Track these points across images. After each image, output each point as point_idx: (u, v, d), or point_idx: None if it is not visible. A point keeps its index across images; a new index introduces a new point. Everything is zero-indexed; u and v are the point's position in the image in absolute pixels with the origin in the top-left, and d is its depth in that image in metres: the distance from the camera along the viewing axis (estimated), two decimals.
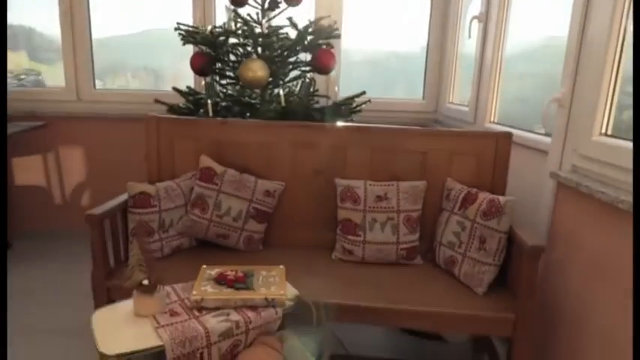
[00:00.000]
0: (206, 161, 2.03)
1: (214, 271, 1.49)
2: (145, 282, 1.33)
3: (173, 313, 1.32)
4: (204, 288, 1.39)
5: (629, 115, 1.55)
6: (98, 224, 1.74)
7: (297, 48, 2.35)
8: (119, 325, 1.26)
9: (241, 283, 1.40)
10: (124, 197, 1.92)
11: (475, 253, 1.76)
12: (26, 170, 3.27)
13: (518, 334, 1.59)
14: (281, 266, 1.56)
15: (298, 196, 2.11)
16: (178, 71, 3.37)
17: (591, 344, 1.59)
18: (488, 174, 1.96)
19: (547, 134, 1.96)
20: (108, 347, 1.16)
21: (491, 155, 1.95)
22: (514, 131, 2.03)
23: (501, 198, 1.73)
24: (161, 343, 1.19)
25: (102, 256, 1.76)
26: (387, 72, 3.49)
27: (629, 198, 1.39)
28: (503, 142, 1.93)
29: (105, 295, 1.77)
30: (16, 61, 3.31)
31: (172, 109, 2.42)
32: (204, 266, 1.54)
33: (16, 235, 3.32)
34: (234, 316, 1.30)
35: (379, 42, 3.34)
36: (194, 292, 1.35)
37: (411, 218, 1.95)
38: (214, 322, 1.27)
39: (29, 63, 3.38)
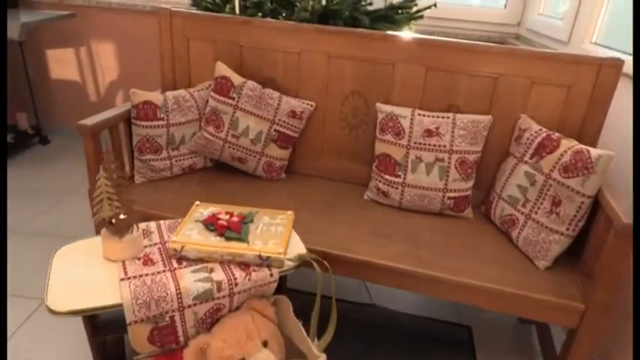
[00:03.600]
0: (222, 69, 1.69)
1: (207, 211, 1.23)
2: (121, 217, 1.09)
3: (147, 261, 1.09)
4: (189, 232, 1.13)
5: None
6: (91, 137, 1.50)
7: None
8: (81, 269, 1.05)
9: (234, 231, 1.13)
10: (127, 106, 1.66)
11: (543, 216, 1.37)
12: (61, 63, 3.10)
13: (585, 329, 1.24)
14: (289, 212, 1.26)
15: (331, 120, 1.75)
16: None
17: None
18: (579, 115, 1.48)
19: None
20: (59, 301, 0.96)
21: (587, 89, 1.45)
22: (625, 57, 1.49)
23: (593, 151, 1.28)
24: (120, 302, 0.97)
25: (97, 172, 1.55)
26: None
27: None
28: (608, 71, 1.42)
29: None
30: None
31: (196, 2, 2.05)
32: (198, 203, 1.27)
33: (54, 130, 3.25)
34: (218, 275, 1.05)
35: None
36: (174, 238, 1.10)
37: (466, 162, 1.55)
38: (191, 281, 1.02)
39: None
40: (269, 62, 1.73)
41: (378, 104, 1.63)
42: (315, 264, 1.13)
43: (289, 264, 1.10)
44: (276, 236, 1.14)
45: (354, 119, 1.72)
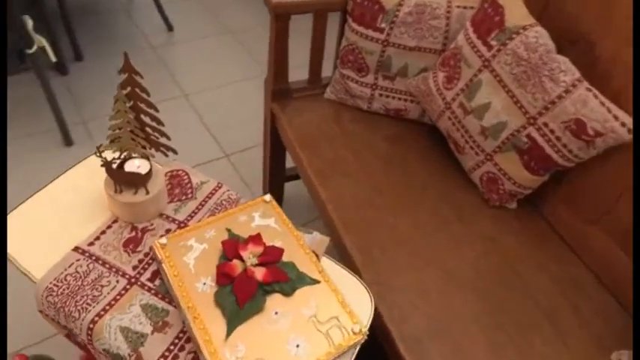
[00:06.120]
0: None
1: (259, 222, 0.72)
2: (136, 164, 0.72)
3: (132, 241, 0.72)
4: (196, 245, 0.68)
5: None
6: (276, 18, 1.08)
7: None
8: (78, 198, 0.77)
9: (233, 297, 0.62)
10: None
11: None
12: None
13: None
14: (358, 328, 0.63)
15: None
16: None
17: None
18: None
19: None
20: (20, 247, 0.72)
21: None
22: None
23: None
24: (35, 280, 0.67)
25: (274, 65, 1.17)
26: None
27: None
28: None
29: (269, 121, 1.27)
30: None
31: None
32: (266, 199, 0.77)
33: None
34: (156, 343, 0.61)
35: None
36: (163, 240, 0.68)
37: None
38: (116, 323, 0.62)
39: None
40: None
41: None
42: None
43: None
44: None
45: None
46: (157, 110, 0.68)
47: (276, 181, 1.48)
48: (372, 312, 0.67)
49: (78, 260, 0.69)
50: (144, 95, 0.65)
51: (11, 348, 1.05)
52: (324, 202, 1.00)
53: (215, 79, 1.97)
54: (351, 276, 0.73)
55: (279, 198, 1.55)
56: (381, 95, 1.17)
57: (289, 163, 1.34)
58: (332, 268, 0.73)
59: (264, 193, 1.53)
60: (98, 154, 0.66)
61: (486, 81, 0.93)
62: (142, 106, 0.67)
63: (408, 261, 0.90)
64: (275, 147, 1.33)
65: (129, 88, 0.65)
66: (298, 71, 1.26)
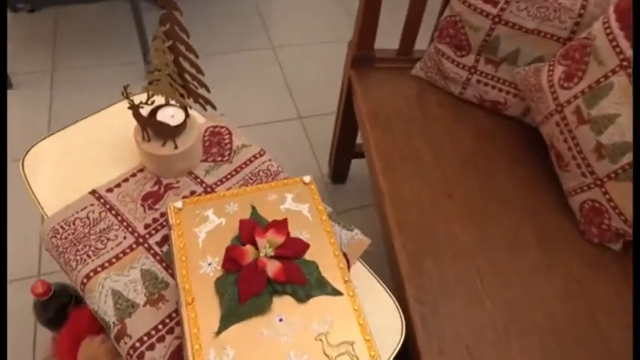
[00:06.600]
0: None
1: (289, 205, 0.61)
2: (170, 112, 0.64)
3: (151, 196, 0.65)
4: (213, 218, 0.59)
5: None
6: None
7: None
8: (110, 137, 0.71)
9: (233, 291, 0.53)
10: None
11: None
12: None
13: None
14: None
15: None
16: None
17: None
18: None
19: None
20: (41, 180, 0.67)
21: None
22: None
23: None
24: (46, 217, 0.62)
25: (361, 27, 1.02)
26: None
27: None
28: None
29: (346, 89, 1.14)
30: None
31: None
32: (307, 179, 0.65)
33: None
34: (140, 321, 0.54)
35: None
36: (178, 204, 0.60)
37: None
38: (109, 285, 0.56)
39: None
40: None
41: None
42: None
43: None
44: None
45: None
46: (196, 56, 0.58)
47: (343, 154, 1.36)
48: (399, 346, 0.54)
49: (92, 205, 0.63)
50: (183, 35, 0.56)
51: (35, 272, 1.08)
52: (383, 193, 0.86)
53: (307, 36, 1.85)
54: (385, 293, 0.60)
55: (343, 173, 1.43)
56: (478, 82, 0.98)
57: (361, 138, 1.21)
58: (364, 278, 0.61)
59: (330, 164, 1.44)
60: (125, 95, 0.58)
61: (619, 86, 0.71)
62: (182, 48, 0.57)
63: (464, 282, 0.75)
64: (347, 118, 1.20)
65: (168, 25, 0.56)
66: (388, 40, 1.10)
